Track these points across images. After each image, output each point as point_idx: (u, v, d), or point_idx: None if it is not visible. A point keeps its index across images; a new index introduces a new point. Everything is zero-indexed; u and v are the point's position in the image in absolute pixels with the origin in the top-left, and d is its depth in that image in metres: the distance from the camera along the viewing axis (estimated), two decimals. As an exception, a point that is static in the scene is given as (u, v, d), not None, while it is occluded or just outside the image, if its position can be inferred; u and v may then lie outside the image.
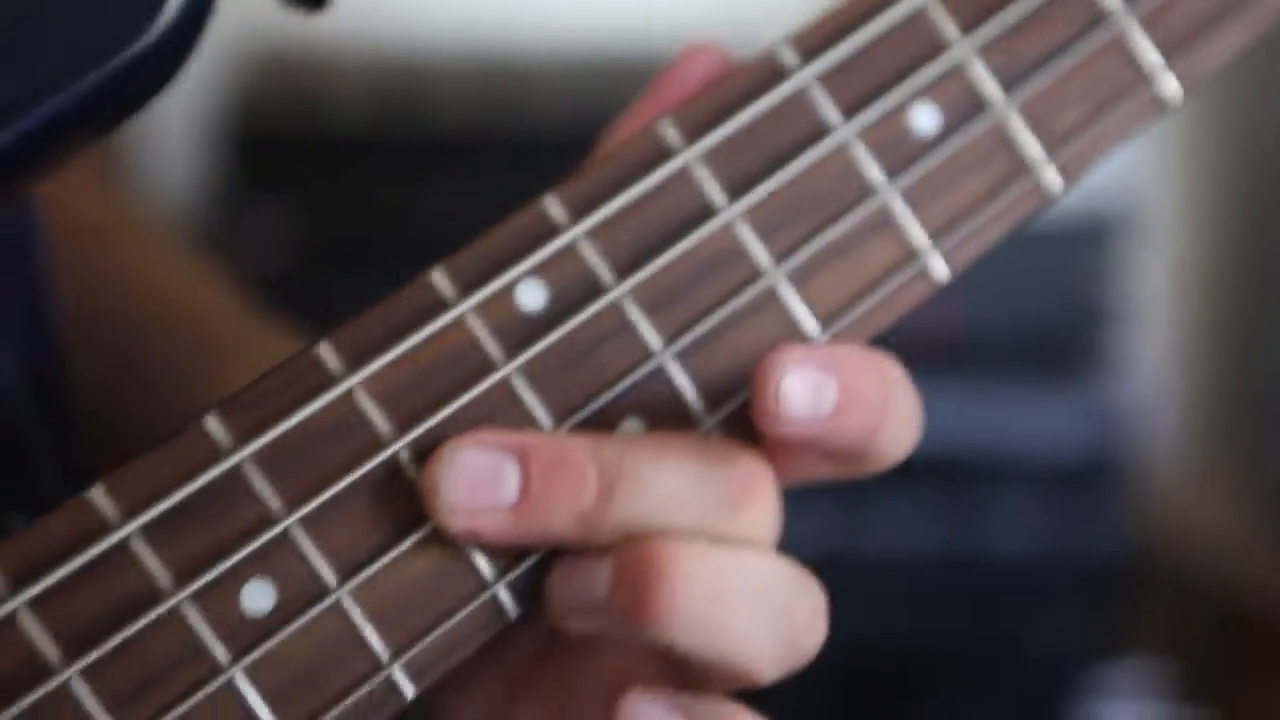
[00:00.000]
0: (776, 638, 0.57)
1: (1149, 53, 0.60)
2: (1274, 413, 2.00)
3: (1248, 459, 2.05)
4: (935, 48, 0.58)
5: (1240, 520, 2.01)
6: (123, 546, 0.52)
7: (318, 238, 1.69)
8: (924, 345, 1.74)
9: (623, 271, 0.56)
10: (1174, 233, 2.03)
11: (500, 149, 1.73)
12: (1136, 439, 1.78)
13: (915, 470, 1.87)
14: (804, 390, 0.55)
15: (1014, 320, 1.73)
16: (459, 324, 0.55)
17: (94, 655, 0.52)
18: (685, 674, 0.57)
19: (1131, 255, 1.77)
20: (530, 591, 0.56)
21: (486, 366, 0.55)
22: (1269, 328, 2.02)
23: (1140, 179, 1.80)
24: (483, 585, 0.55)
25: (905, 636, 1.73)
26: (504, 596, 0.56)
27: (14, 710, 0.52)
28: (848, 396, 0.56)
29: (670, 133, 0.57)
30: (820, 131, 0.58)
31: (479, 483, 0.54)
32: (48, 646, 0.52)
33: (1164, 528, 1.95)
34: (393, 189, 1.72)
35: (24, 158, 0.55)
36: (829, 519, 1.72)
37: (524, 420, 0.55)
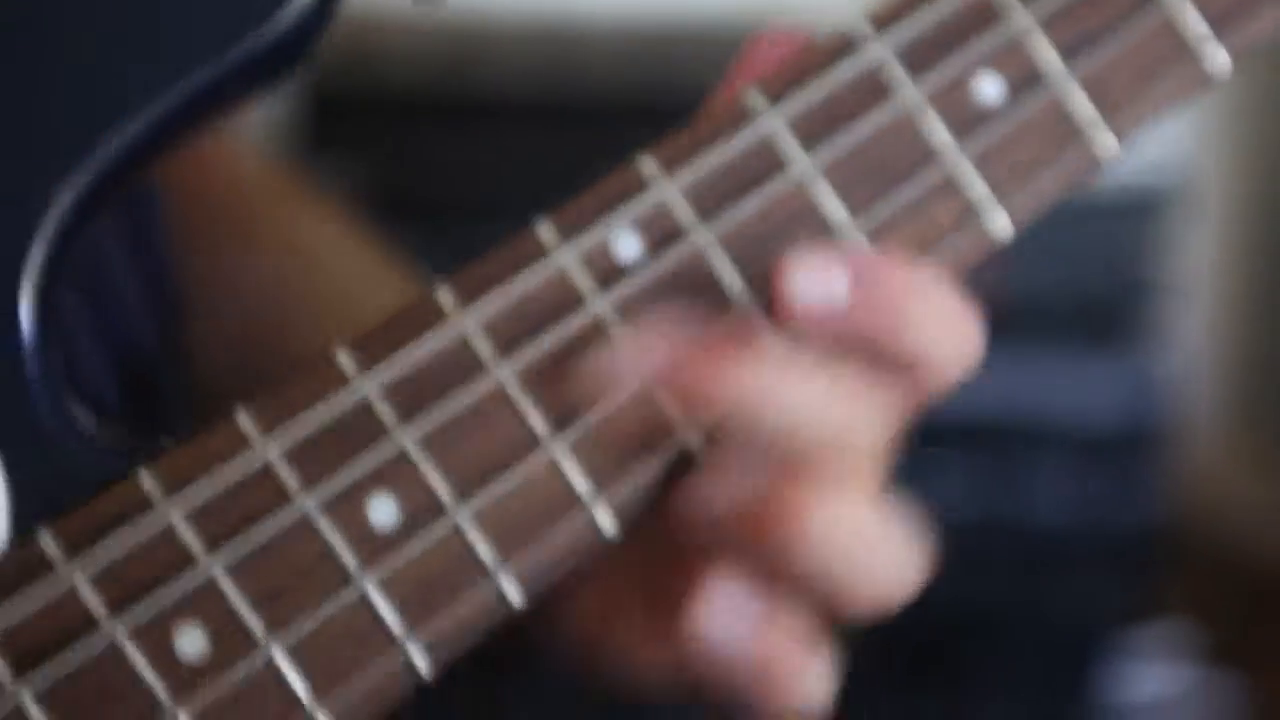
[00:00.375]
0: (882, 581, 0.60)
1: (1198, 25, 0.62)
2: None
3: (1278, 436, 2.06)
4: (995, 19, 0.61)
5: (1269, 494, 2.02)
6: (264, 465, 0.57)
7: (381, 195, 1.72)
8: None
9: (708, 222, 0.60)
10: (1220, 208, 2.04)
11: (558, 110, 1.76)
12: (1174, 410, 1.80)
13: (956, 434, 1.91)
14: (815, 279, 0.58)
15: (1059, 289, 1.74)
16: (558, 269, 0.59)
17: (238, 552, 0.57)
18: (784, 596, 0.60)
19: (1177, 229, 1.79)
20: (626, 513, 0.59)
21: (578, 302, 0.59)
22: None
23: (1189, 154, 1.82)
24: (579, 504, 0.59)
25: (942, 598, 1.75)
26: (601, 517, 0.59)
27: (162, 593, 0.57)
28: (861, 288, 0.58)
29: (755, 99, 0.60)
30: (887, 97, 0.61)
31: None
32: (193, 543, 0.57)
33: (1197, 497, 1.97)
34: (454, 148, 1.75)
35: (160, 140, 0.59)
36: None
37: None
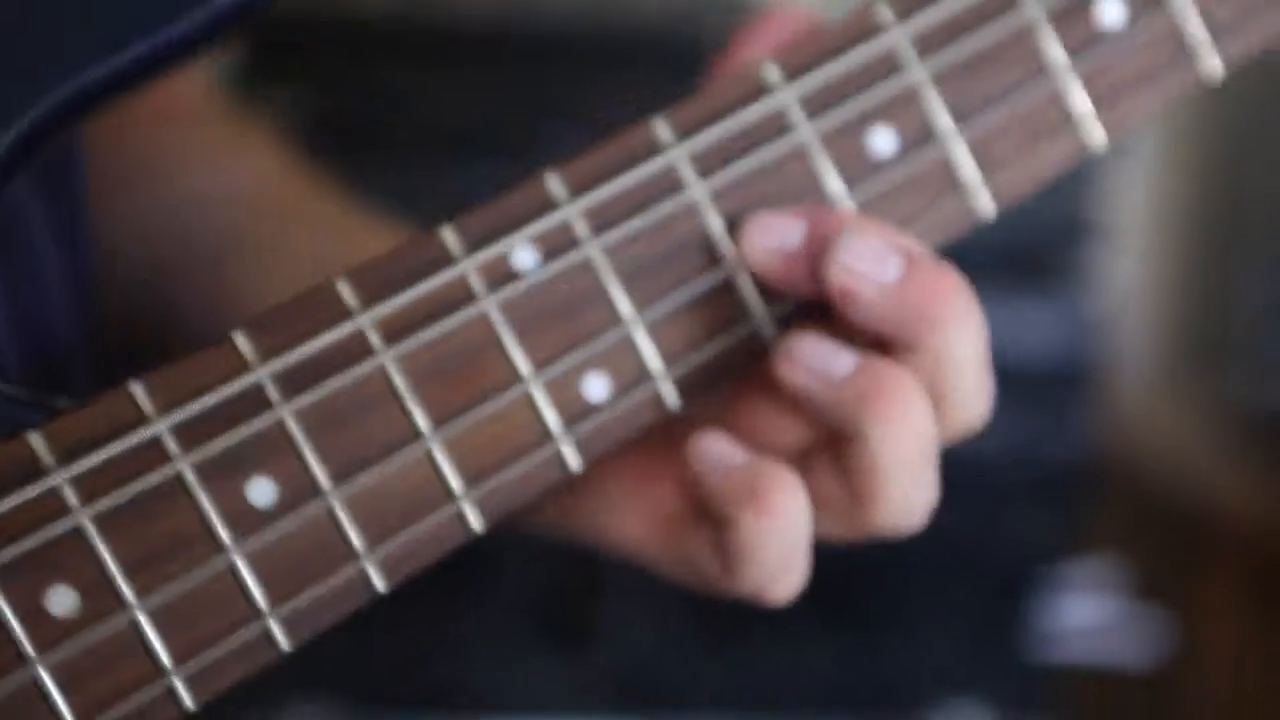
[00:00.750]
0: (911, 489, 0.62)
1: (1083, 102, 0.65)
2: (1239, 335, 2.03)
3: (1210, 377, 2.08)
4: (893, 73, 0.63)
5: (1198, 433, 2.05)
6: (155, 439, 0.59)
7: (329, 126, 1.72)
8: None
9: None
10: (1156, 151, 2.06)
11: (513, 44, 1.76)
12: (1106, 349, 1.82)
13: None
14: (868, 250, 0.61)
15: (992, 229, 1.76)
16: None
17: (114, 516, 0.59)
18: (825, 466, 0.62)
19: (1110, 169, 1.81)
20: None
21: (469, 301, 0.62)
22: (1242, 252, 2.05)
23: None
24: (450, 499, 0.61)
25: (876, 530, 1.78)
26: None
27: (32, 539, 0.58)
28: (911, 269, 0.61)
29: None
30: (781, 135, 0.63)
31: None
32: (74, 501, 0.58)
33: (1127, 436, 1.99)
34: (405, 79, 1.75)
35: (99, 96, 0.60)
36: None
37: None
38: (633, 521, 0.65)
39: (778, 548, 0.62)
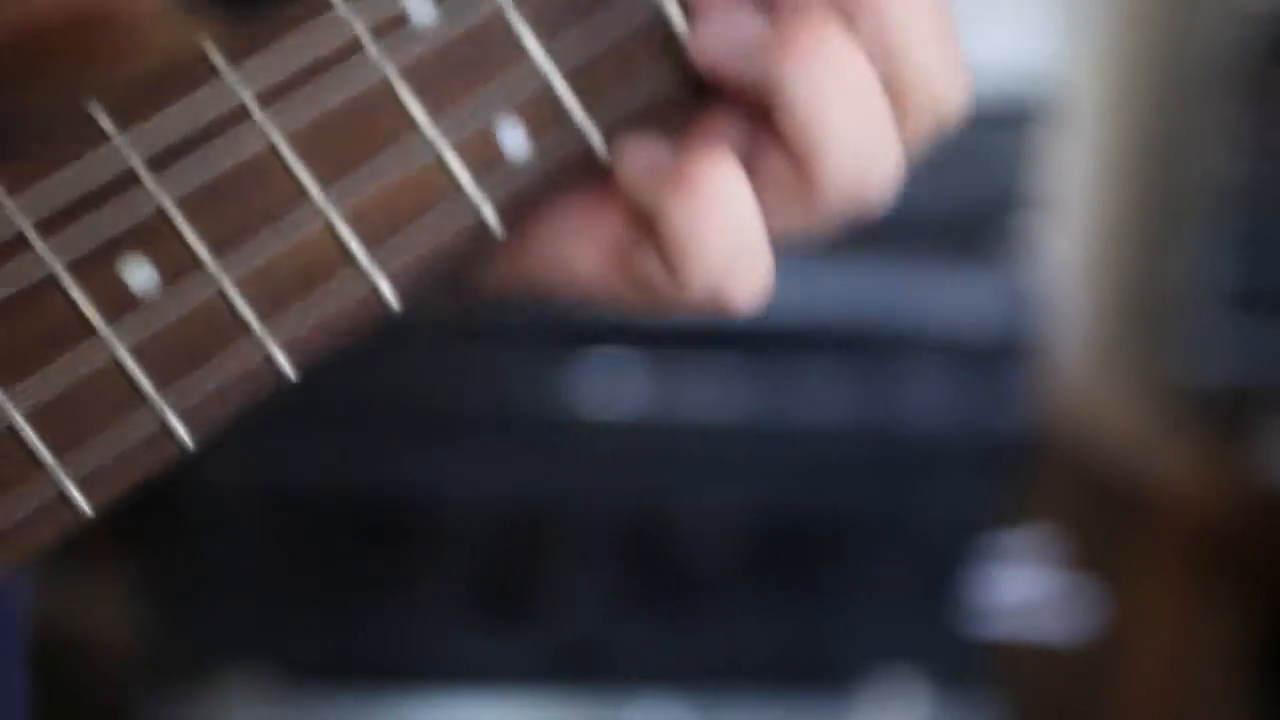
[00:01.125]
0: (859, 147, 0.57)
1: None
2: (1177, 309, 2.05)
3: (1146, 351, 2.10)
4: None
5: (1135, 407, 2.06)
6: (17, 235, 0.54)
7: None
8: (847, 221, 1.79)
9: None
10: (1093, 124, 2.07)
11: None
12: (1044, 321, 1.83)
13: (829, 342, 1.93)
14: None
15: (931, 200, 1.77)
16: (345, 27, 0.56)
17: None
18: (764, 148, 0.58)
19: (1048, 140, 1.81)
20: (409, 288, 0.57)
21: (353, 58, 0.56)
22: (1177, 226, 2.07)
23: (1058, 65, 1.85)
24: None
25: (816, 501, 1.79)
26: (383, 286, 0.56)
27: None
28: None
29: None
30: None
31: None
32: None
33: (1064, 409, 2.00)
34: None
35: None
36: (749, 387, 1.77)
37: None
38: (584, 258, 0.60)
39: (719, 234, 0.57)
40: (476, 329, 1.79)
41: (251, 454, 1.77)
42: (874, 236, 1.75)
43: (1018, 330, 1.79)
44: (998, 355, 1.78)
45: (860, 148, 0.58)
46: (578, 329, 1.79)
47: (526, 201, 0.58)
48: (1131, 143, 2.12)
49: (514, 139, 0.57)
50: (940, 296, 1.78)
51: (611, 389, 1.79)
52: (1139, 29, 2.08)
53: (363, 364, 1.75)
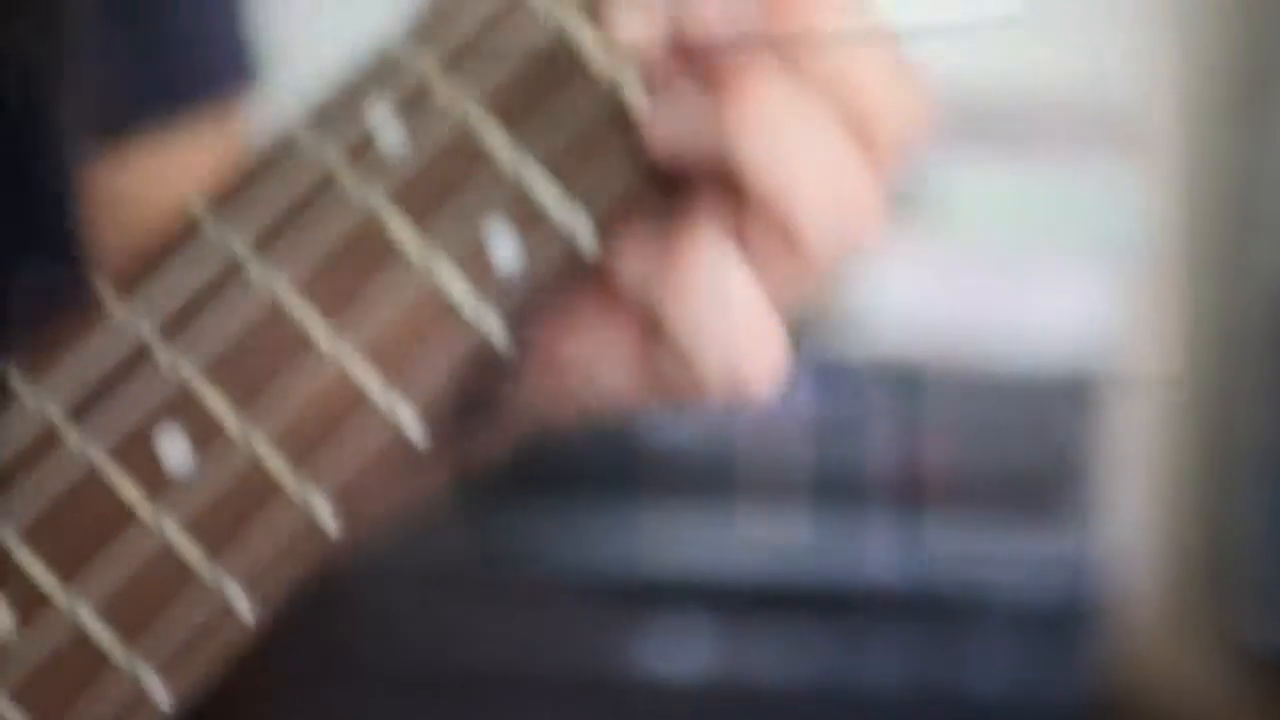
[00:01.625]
0: (834, 196, 0.56)
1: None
2: (1244, 573, 2.03)
3: (1218, 611, 2.08)
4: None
5: (1207, 670, 2.04)
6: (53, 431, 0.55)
7: None
8: (912, 483, 1.79)
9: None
10: (1151, 386, 2.07)
11: None
12: (1111, 585, 1.82)
13: (893, 605, 1.92)
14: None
15: (996, 463, 1.77)
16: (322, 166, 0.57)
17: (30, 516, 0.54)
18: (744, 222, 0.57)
19: (1114, 405, 1.82)
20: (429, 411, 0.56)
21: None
22: (1243, 490, 2.06)
23: (1122, 333, 1.86)
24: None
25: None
26: (404, 416, 0.56)
27: None
28: None
29: None
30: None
31: None
32: None
33: (1134, 673, 1.98)
34: None
35: None
36: (815, 650, 1.77)
37: None
38: (607, 370, 0.59)
39: (721, 321, 0.57)
40: (538, 588, 1.79)
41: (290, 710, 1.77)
42: (942, 497, 1.76)
43: (1084, 593, 1.79)
44: (1064, 618, 1.77)
45: (835, 196, 0.56)
46: (642, 587, 1.80)
47: (528, 310, 0.57)
48: (1194, 401, 2.12)
49: (503, 246, 0.56)
50: (1005, 559, 1.78)
51: (676, 650, 1.78)
52: (1198, 286, 2.09)
53: (426, 622, 1.76)
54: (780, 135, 0.55)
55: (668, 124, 0.56)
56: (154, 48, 0.75)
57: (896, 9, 0.57)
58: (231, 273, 0.55)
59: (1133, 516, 2.03)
